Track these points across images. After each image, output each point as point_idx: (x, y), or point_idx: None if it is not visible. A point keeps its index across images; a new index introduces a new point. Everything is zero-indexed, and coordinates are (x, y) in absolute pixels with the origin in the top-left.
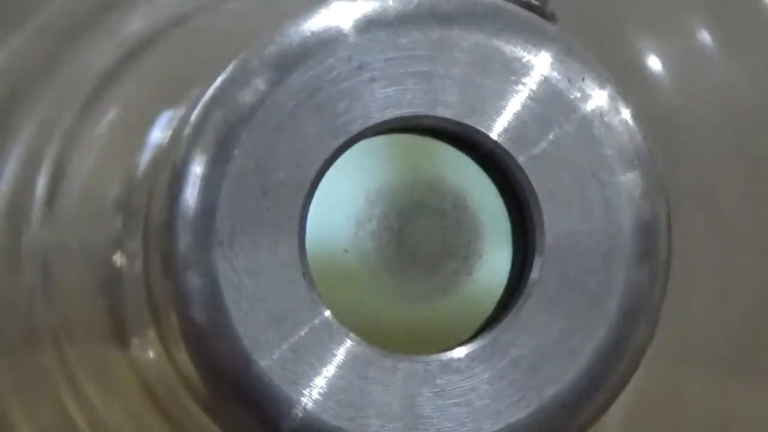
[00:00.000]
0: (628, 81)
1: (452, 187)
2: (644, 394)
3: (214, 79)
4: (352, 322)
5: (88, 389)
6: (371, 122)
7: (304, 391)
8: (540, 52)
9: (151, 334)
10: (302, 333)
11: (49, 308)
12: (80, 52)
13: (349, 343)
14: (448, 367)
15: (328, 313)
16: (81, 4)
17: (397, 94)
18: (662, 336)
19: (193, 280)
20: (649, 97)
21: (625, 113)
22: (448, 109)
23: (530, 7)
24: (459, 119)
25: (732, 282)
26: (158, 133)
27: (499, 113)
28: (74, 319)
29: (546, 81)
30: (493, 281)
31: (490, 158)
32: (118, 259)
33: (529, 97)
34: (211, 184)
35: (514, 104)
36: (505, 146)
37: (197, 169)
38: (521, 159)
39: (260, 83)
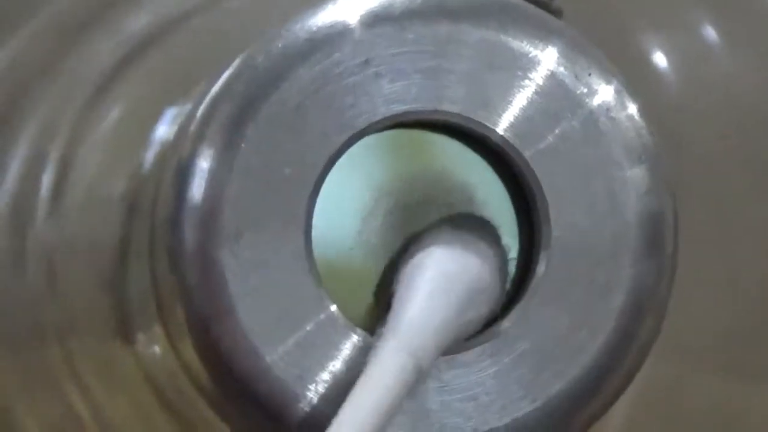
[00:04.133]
0: (634, 76)
1: (458, 182)
2: (646, 391)
3: (220, 75)
4: (357, 317)
5: (94, 385)
6: (377, 117)
7: (309, 386)
8: (547, 47)
9: (157, 329)
10: (308, 328)
11: (55, 305)
12: (84, 49)
13: (354, 338)
14: (454, 362)
15: (334, 308)
16: (84, 2)
17: (404, 90)
18: (665, 333)
19: (200, 276)
20: (655, 93)
21: (632, 108)
22: (455, 104)
23: (537, 3)
24: (465, 114)
25: (737, 278)
26: (164, 129)
27: (505, 108)
28: (80, 316)
29: (552, 76)
30: None
31: (496, 153)
32: (124, 255)
33: (536, 93)
34: (217, 180)
35: (521, 99)
36: (512, 141)
37: (203, 164)
38: (528, 154)
39: (266, 78)
